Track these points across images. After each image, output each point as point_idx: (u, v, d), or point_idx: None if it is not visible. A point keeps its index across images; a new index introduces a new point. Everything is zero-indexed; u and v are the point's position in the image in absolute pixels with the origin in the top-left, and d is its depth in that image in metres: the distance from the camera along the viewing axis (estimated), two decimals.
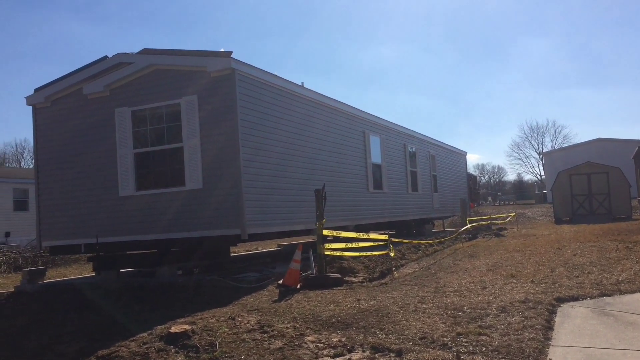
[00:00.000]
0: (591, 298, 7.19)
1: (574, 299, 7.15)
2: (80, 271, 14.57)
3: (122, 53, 11.00)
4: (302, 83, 12.77)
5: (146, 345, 5.78)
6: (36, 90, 11.72)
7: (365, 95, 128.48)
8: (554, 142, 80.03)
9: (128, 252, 11.19)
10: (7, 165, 63.49)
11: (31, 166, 52.38)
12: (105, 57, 11.14)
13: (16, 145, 71.59)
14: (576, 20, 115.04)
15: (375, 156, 16.26)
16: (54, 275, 13.60)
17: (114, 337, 6.30)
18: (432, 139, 22.45)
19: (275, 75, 11.39)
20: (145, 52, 10.82)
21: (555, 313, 6.42)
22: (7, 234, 26.55)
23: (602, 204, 26.91)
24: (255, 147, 10.43)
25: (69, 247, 11.58)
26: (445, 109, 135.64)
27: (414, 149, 19.75)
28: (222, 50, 10.16)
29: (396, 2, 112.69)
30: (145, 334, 6.16)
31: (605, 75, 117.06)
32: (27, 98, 11.81)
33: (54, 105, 11.64)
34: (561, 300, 7.04)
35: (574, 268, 9.65)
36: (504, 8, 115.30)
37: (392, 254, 10.78)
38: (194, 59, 10.32)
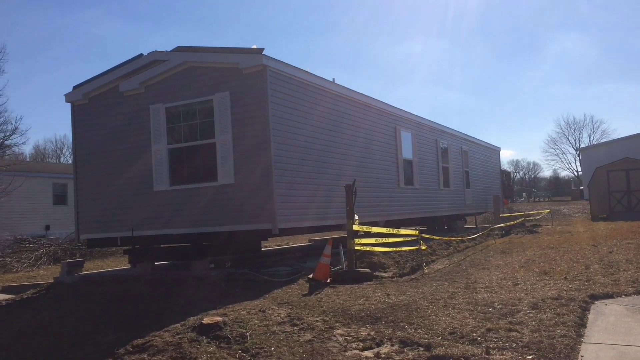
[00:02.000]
0: (626, 296, 7.05)
1: (609, 296, 7.03)
2: (117, 263, 14.95)
3: (157, 51, 11.22)
4: (334, 79, 12.80)
5: (179, 336, 5.93)
6: (75, 87, 12.06)
7: (396, 90, 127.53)
8: (592, 137, 78.12)
9: (162, 245, 11.44)
10: (47, 160, 65.39)
11: (70, 161, 53.81)
12: (141, 55, 11.38)
13: (56, 141, 73.52)
14: (612, 14, 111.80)
15: (407, 152, 16.18)
16: (92, 268, 14.00)
17: (149, 327, 6.47)
18: (464, 134, 22.20)
19: (306, 71, 11.45)
20: (179, 49, 11.02)
21: (589, 310, 6.33)
22: (47, 227, 27.41)
23: None
24: (286, 142, 10.52)
25: (106, 240, 11.90)
26: (478, 104, 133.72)
27: (446, 145, 19.57)
28: (254, 47, 10.27)
29: None
30: (178, 325, 6.32)
31: None
32: (66, 95, 12.16)
33: (91, 102, 11.96)
34: (595, 297, 6.93)
35: (609, 265, 9.46)
36: (536, 2, 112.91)
37: (423, 248, 10.74)
38: (227, 55, 10.45)
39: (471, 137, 23.24)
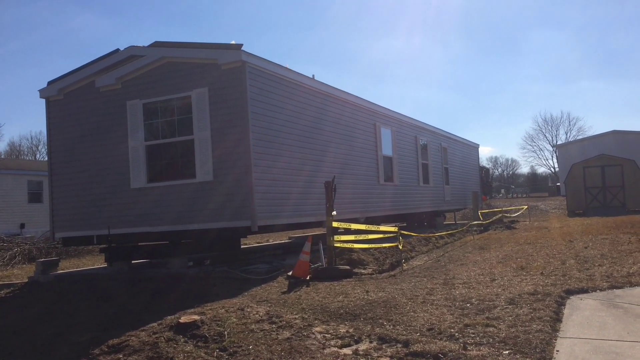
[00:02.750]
0: (601, 290, 7.15)
1: (584, 291, 7.12)
2: (93, 262, 14.75)
3: (134, 46, 11.07)
4: (313, 75, 12.77)
5: (156, 335, 5.86)
6: (49, 83, 11.84)
7: (377, 88, 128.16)
8: (568, 134, 79.36)
9: (140, 244, 11.30)
10: (23, 157, 64.25)
11: (46, 159, 52.99)
12: (117, 50, 11.22)
13: (31, 138, 72.41)
14: (590, 13, 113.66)
15: (387, 148, 16.24)
16: (67, 266, 13.78)
17: (125, 327, 6.39)
18: (444, 131, 22.35)
19: (286, 68, 11.40)
20: (156, 45, 10.89)
21: (564, 305, 6.40)
22: (22, 226, 26.93)
23: (616, 197, 26.63)
24: (266, 139, 10.46)
25: (82, 238, 11.73)
26: (458, 101, 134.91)
27: (425, 142, 19.68)
28: (233, 42, 10.20)
29: None
30: (155, 324, 6.24)
31: (620, 67, 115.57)
32: (41, 91, 11.94)
33: (66, 98, 11.76)
34: (570, 292, 7.01)
35: (584, 260, 9.59)
36: (517, 1, 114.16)
37: (400, 246, 10.78)
38: (205, 51, 10.36)
39: (450, 134, 23.41)
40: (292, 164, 11.32)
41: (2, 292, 10.48)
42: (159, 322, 6.29)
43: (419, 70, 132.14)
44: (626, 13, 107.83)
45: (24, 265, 16.19)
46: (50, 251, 17.46)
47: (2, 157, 48.46)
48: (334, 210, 9.85)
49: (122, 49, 11.18)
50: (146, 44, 11.04)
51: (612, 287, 7.28)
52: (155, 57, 10.74)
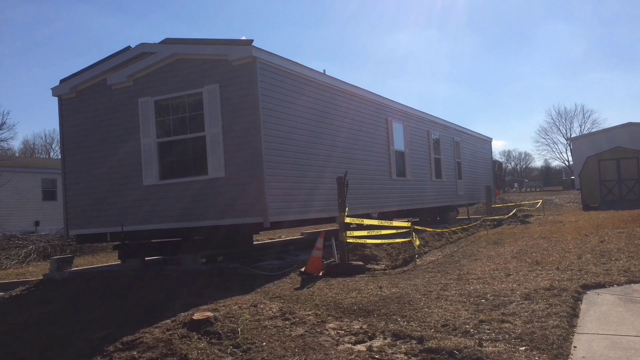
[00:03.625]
0: (618, 285, 7.05)
1: (601, 286, 7.02)
2: (107, 259, 14.84)
3: (145, 43, 11.07)
4: (324, 70, 12.70)
5: (169, 332, 5.86)
6: (62, 81, 11.89)
7: (387, 82, 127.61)
8: (583, 127, 78.38)
9: (153, 240, 11.33)
10: (37, 155, 64.85)
11: (59, 157, 53.37)
12: (129, 47, 11.23)
13: (45, 136, 73.16)
14: (601, 5, 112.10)
15: (398, 143, 16.13)
16: (82, 264, 13.89)
17: (139, 324, 6.40)
18: (456, 125, 22.17)
19: (296, 63, 11.35)
20: (167, 41, 10.87)
21: (581, 300, 6.32)
22: (37, 223, 27.20)
23: (632, 190, 26.29)
24: (277, 134, 10.43)
25: (95, 235, 11.78)
26: (469, 95, 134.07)
27: (437, 136, 19.54)
28: (244, 38, 10.16)
29: None
30: (168, 321, 6.25)
31: (634, 59, 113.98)
32: (53, 89, 11.99)
33: (79, 96, 11.80)
34: (587, 287, 6.92)
35: (601, 255, 9.47)
36: None
37: (416, 242, 10.71)
38: (216, 47, 10.33)
39: (463, 127, 23.22)
40: (305, 160, 11.28)
41: (17, 289, 10.57)
42: (173, 318, 6.30)
43: (428, 64, 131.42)
44: (634, 5, 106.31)
45: (39, 263, 16.35)
46: (65, 248, 17.60)
47: (17, 155, 48.93)
48: (346, 206, 9.80)
49: (132, 46, 11.19)
50: (153, 41, 11.07)
51: (630, 281, 7.18)
52: (166, 54, 10.74)
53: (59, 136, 12.73)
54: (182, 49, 10.64)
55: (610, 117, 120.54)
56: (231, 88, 10.19)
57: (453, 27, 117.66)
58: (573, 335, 5.01)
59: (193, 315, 6.18)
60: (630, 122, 45.43)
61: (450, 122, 21.47)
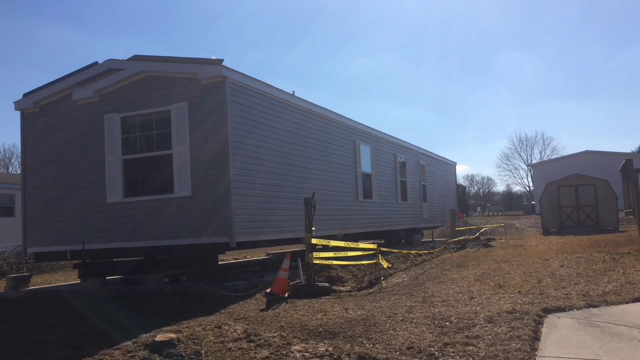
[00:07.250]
0: (578, 309, 7.20)
1: (561, 309, 7.17)
2: (66, 278, 14.41)
3: (113, 59, 10.96)
4: (294, 92, 12.79)
5: (130, 354, 5.71)
6: (25, 95, 11.64)
7: (354, 106, 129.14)
8: (543, 154, 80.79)
9: (115, 260, 11.09)
10: None
11: (19, 171, 51.94)
12: (96, 62, 11.10)
13: (4, 151, 71.24)
14: (563, 34, 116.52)
15: (365, 165, 16.29)
16: (39, 282, 13.44)
17: (98, 346, 6.21)
18: (422, 149, 22.54)
19: (267, 84, 11.40)
20: (135, 58, 10.79)
21: (542, 324, 6.43)
22: None
23: (590, 216, 27.06)
24: (246, 154, 10.41)
25: (55, 253, 11.46)
26: (435, 120, 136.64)
27: (404, 159, 19.81)
28: (214, 57, 10.16)
29: (384, 15, 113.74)
30: (130, 343, 6.09)
31: (593, 88, 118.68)
32: (16, 103, 11.73)
33: (42, 111, 11.57)
34: (548, 310, 7.05)
35: (561, 279, 9.68)
36: (490, 22, 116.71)
37: (384, 264, 10.75)
38: (185, 65, 10.30)
39: (428, 151, 23.62)
40: (273, 180, 11.27)
41: None
42: (134, 340, 6.14)
43: (395, 89, 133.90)
44: (598, 32, 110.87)
45: None
46: (22, 266, 17.01)
47: None
48: (313, 227, 9.80)
49: (100, 62, 11.06)
50: (126, 58, 10.93)
51: (589, 305, 7.35)
52: (135, 70, 10.65)
53: (19, 151, 12.45)
54: (151, 66, 10.57)
55: (570, 144, 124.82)
56: (200, 107, 10.16)
57: (420, 53, 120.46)
58: (535, 359, 5.09)
59: (155, 336, 6.04)
60: (588, 150, 47.06)
61: (416, 146, 21.82)
